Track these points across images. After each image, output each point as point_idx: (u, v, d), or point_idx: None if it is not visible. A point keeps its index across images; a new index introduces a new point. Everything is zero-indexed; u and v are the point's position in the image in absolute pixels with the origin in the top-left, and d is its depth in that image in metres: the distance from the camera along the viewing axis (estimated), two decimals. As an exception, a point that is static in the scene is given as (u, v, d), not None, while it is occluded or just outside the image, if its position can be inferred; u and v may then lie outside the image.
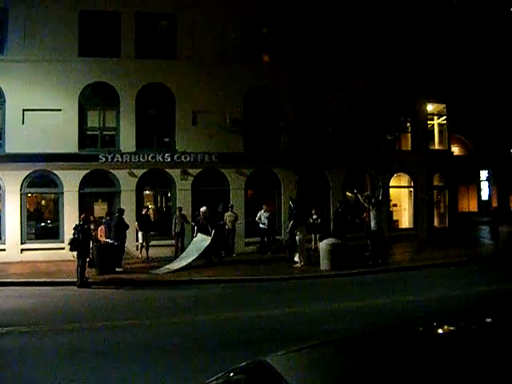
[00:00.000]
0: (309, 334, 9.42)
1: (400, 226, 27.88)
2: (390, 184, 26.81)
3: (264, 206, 22.91)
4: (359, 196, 20.53)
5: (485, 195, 40.29)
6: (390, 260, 20.59)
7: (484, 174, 40.23)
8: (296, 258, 19.34)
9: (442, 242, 24.71)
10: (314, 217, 22.06)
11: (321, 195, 24.92)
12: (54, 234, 22.47)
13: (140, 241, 21.55)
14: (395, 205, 27.96)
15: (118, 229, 19.09)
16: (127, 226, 19.63)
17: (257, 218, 22.72)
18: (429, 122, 28.86)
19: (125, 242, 19.63)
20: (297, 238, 19.42)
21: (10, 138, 21.76)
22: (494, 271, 17.77)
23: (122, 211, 19.90)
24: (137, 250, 21.81)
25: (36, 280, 17.03)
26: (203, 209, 20.41)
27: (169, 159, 22.99)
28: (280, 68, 24.29)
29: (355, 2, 24.93)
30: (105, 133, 23.60)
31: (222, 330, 10.66)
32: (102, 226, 19.83)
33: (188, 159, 23.12)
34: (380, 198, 20.19)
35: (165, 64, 23.28)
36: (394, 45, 25.51)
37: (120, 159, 22.56)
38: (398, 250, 23.21)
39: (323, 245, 18.57)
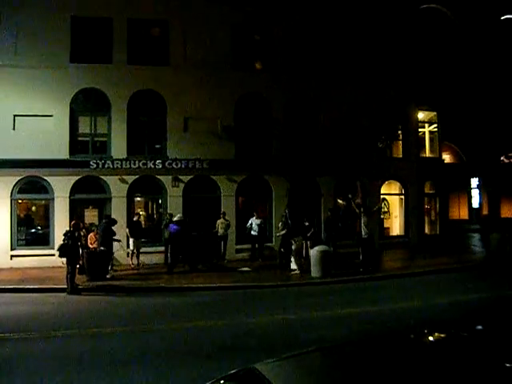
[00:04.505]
0: (299, 342, 9.41)
1: (391, 234, 27.92)
2: (381, 191, 26.88)
3: (255, 213, 22.92)
4: (352, 202, 20.59)
5: (475, 203, 40.45)
6: (381, 267, 20.63)
7: (475, 182, 40.39)
8: (293, 266, 19.36)
9: (433, 250, 24.79)
10: (306, 224, 22.04)
11: (312, 202, 24.93)
12: (44, 240, 22.32)
13: (131, 247, 21.44)
14: (384, 199, 27.96)
15: (104, 235, 18.93)
16: (113, 233, 19.39)
17: (248, 225, 22.73)
18: (420, 130, 29.01)
19: (112, 249, 19.46)
20: (293, 247, 19.48)
21: (0, 143, 21.60)
22: (485, 279, 17.87)
23: (108, 218, 19.83)
24: (127, 256, 21.71)
25: (26, 287, 16.90)
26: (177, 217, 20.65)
27: (160, 166, 22.94)
28: (272, 75, 24.33)
29: (347, 10, 25.06)
30: (96, 139, 23.54)
31: (211, 338, 10.61)
32: (92, 233, 19.79)
33: (179, 166, 23.07)
34: (375, 209, 20.37)
35: (156, 70, 23.25)
36: (386, 53, 25.65)
37: (111, 165, 22.48)
38: (389, 258, 23.22)
39: (314, 252, 18.56)
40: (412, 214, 27.36)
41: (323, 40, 24.93)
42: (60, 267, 17.41)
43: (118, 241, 19.82)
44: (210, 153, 23.27)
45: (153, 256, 21.93)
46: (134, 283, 17.90)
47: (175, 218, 20.67)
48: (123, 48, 23.13)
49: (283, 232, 20.65)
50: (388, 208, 27.66)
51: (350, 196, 20.97)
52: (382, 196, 27.04)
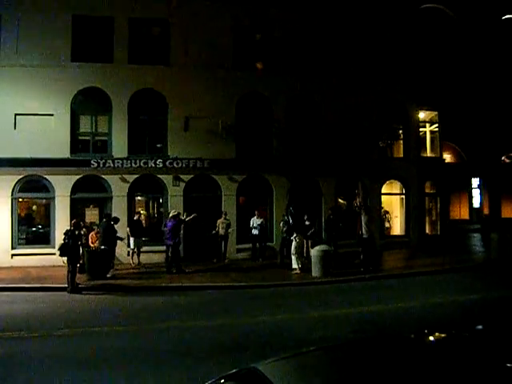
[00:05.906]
0: (299, 341, 9.40)
1: (392, 233, 27.88)
2: (382, 191, 26.86)
3: (256, 213, 22.89)
4: (357, 197, 20.55)
5: (476, 203, 40.39)
6: (382, 267, 20.62)
7: (475, 182, 40.32)
8: (294, 265, 19.35)
9: (433, 250, 24.74)
10: (307, 223, 22.02)
11: (313, 202, 24.89)
12: (45, 239, 22.32)
13: (131, 246, 21.45)
14: (387, 212, 28.00)
15: (106, 234, 18.96)
16: (115, 232, 19.43)
17: (250, 225, 22.71)
18: (421, 130, 28.95)
19: (114, 248, 19.49)
20: (293, 244, 19.46)
21: (1, 142, 21.52)
22: (485, 279, 17.86)
23: (109, 216, 19.86)
24: (128, 255, 21.73)
25: (27, 285, 16.93)
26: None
27: (161, 165, 22.92)
28: (273, 74, 24.29)
29: (348, 10, 25.02)
30: (97, 138, 23.53)
31: (212, 337, 10.62)
32: (93, 232, 19.83)
33: (180, 165, 23.06)
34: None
35: (157, 70, 23.24)
36: (387, 52, 25.62)
37: (112, 165, 22.47)
38: (390, 258, 23.21)
39: (315, 252, 18.56)
40: (413, 214, 27.32)
41: (324, 40, 24.88)
42: (61, 266, 17.43)
43: (122, 239, 19.87)
44: (210, 152, 23.25)
45: (154, 255, 21.91)
46: (134, 282, 17.92)
47: (170, 214, 20.72)
48: (124, 47, 23.11)
49: (286, 228, 20.75)
50: (390, 220, 27.66)
51: (356, 191, 20.89)
52: (384, 207, 27.15)
